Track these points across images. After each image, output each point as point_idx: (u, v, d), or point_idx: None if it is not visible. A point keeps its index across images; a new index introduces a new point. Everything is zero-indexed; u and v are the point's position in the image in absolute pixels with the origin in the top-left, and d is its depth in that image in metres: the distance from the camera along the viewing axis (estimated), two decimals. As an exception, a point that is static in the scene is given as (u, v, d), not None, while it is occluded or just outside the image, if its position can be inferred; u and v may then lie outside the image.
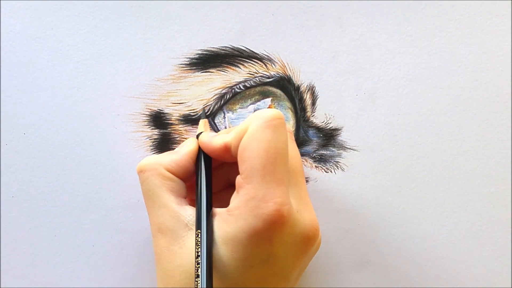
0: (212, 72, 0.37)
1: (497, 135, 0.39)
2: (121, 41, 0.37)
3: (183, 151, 0.33)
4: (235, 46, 0.37)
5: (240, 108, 0.38)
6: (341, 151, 0.38)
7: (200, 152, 0.33)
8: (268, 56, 0.37)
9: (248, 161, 0.29)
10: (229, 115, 0.38)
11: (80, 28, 0.37)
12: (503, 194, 0.39)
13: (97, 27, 0.37)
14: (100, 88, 0.37)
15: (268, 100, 0.38)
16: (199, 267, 0.29)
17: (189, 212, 0.31)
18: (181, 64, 0.37)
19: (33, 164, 0.37)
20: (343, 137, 0.38)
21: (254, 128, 0.30)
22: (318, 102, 0.38)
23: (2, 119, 0.37)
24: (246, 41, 0.37)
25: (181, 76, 0.37)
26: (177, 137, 0.37)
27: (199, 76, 0.37)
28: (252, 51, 0.37)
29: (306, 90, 0.38)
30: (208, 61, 0.37)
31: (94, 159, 0.37)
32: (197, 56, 0.37)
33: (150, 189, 0.32)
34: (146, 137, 0.37)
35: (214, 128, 0.38)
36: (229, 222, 0.30)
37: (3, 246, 0.37)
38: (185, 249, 0.30)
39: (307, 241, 0.31)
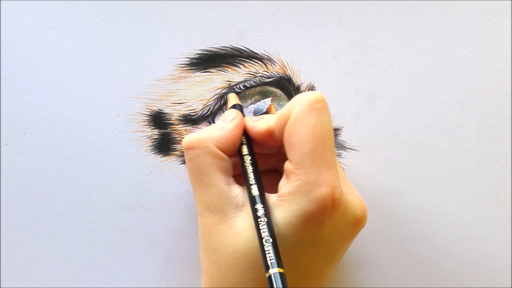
0: (212, 72, 0.37)
1: (497, 135, 0.39)
2: (121, 41, 0.37)
3: (231, 127, 0.32)
4: (235, 46, 0.37)
5: (240, 108, 0.37)
6: (341, 151, 0.38)
7: (247, 136, 0.33)
8: (268, 56, 0.37)
9: (297, 147, 0.29)
10: (229, 115, 0.37)
11: (80, 28, 0.37)
12: (503, 194, 0.39)
13: (97, 27, 0.37)
14: (100, 88, 0.37)
15: (268, 100, 0.38)
16: (268, 249, 0.28)
17: (238, 192, 0.31)
18: (181, 64, 0.37)
19: (33, 164, 0.37)
20: (343, 137, 0.38)
21: (297, 113, 0.30)
22: (318, 102, 0.38)
23: (2, 119, 0.37)
24: (246, 41, 0.37)
25: (181, 76, 0.37)
26: (177, 137, 0.37)
27: (199, 76, 0.37)
28: (252, 51, 0.37)
29: (306, 90, 0.38)
30: (208, 61, 0.37)
31: (94, 159, 0.37)
32: (197, 56, 0.37)
33: (199, 167, 0.31)
34: (146, 137, 0.37)
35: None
36: (281, 207, 0.29)
37: (3, 246, 0.37)
38: (234, 229, 0.30)
39: (357, 223, 0.31)
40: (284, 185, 0.30)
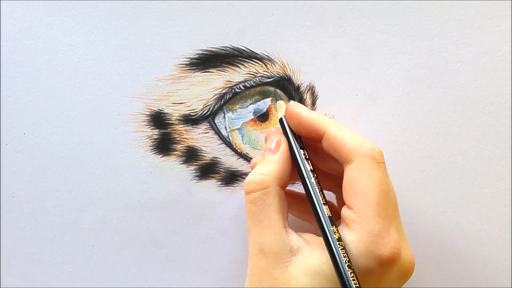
0: (212, 72, 0.37)
1: (497, 135, 0.39)
2: (121, 41, 0.37)
3: (281, 158, 0.32)
4: (235, 46, 0.37)
5: (240, 108, 0.38)
6: (341, 151, 0.38)
7: (293, 141, 0.32)
8: (268, 56, 0.37)
9: (362, 196, 0.29)
10: (229, 115, 0.38)
11: (80, 28, 0.37)
12: (503, 194, 0.39)
13: (97, 27, 0.37)
14: (100, 88, 0.37)
15: (268, 100, 0.38)
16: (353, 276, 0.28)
17: (294, 237, 0.31)
18: (181, 64, 0.37)
19: (33, 164, 0.37)
20: (343, 137, 0.38)
21: (365, 163, 0.30)
22: (318, 102, 0.38)
23: (2, 119, 0.37)
24: (246, 41, 0.37)
25: (181, 76, 0.37)
26: (177, 137, 0.37)
27: (199, 76, 0.37)
28: (252, 51, 0.37)
29: (306, 90, 0.38)
30: (208, 61, 0.37)
31: (94, 159, 0.37)
32: (197, 56, 0.37)
33: (259, 209, 0.31)
34: (146, 137, 0.37)
35: (214, 128, 0.38)
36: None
37: (3, 246, 0.37)
38: (287, 275, 0.30)
39: (406, 276, 0.31)
40: (347, 234, 0.30)
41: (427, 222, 0.39)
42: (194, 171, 0.38)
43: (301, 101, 0.38)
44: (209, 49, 0.37)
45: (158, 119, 0.37)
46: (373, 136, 0.38)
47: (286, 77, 0.38)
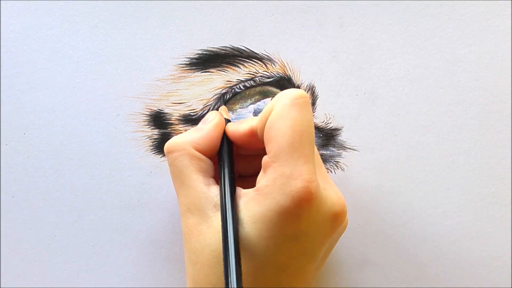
0: (212, 72, 0.37)
1: (497, 135, 0.39)
2: (121, 41, 0.37)
3: (209, 127, 0.33)
4: (235, 46, 0.37)
5: (240, 108, 0.38)
6: (341, 151, 0.38)
7: (224, 137, 0.33)
8: (268, 56, 0.37)
9: (275, 140, 0.29)
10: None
11: (80, 28, 0.37)
12: (503, 194, 0.39)
13: (97, 27, 0.37)
14: (100, 88, 0.37)
15: (268, 100, 0.38)
16: (226, 251, 0.28)
17: (217, 192, 0.31)
18: (181, 64, 0.37)
19: (33, 164, 0.37)
20: (343, 137, 0.38)
21: (279, 107, 0.30)
22: (318, 102, 0.38)
23: (2, 119, 0.37)
24: (246, 41, 0.37)
25: (181, 76, 0.37)
26: (177, 137, 0.37)
27: (199, 76, 0.37)
28: (252, 51, 0.37)
29: (306, 90, 0.38)
30: (208, 61, 0.37)
31: (94, 159, 0.37)
32: (197, 56, 0.37)
33: (179, 169, 0.32)
34: (146, 137, 0.37)
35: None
36: (257, 201, 0.29)
37: (3, 246, 0.37)
38: (213, 229, 0.30)
39: (335, 219, 0.31)
40: (261, 178, 0.30)
41: (427, 222, 0.39)
42: (194, 171, 0.38)
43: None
44: (209, 49, 0.37)
45: (158, 119, 0.37)
46: (373, 136, 0.38)
47: (286, 77, 0.38)
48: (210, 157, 0.33)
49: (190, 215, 0.31)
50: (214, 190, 0.31)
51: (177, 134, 0.37)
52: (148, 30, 0.37)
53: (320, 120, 0.38)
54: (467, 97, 0.38)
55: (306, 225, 0.29)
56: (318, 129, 0.38)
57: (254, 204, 0.29)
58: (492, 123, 0.39)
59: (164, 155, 0.37)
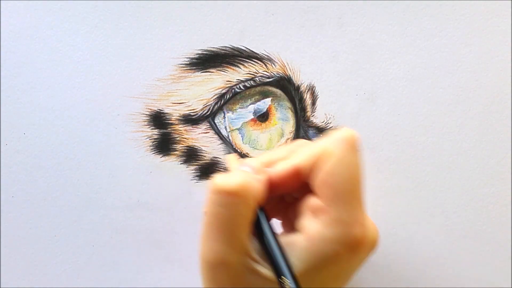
0: (212, 72, 0.37)
1: (497, 135, 0.39)
2: (121, 41, 0.37)
3: (262, 180, 0.29)
4: (235, 46, 0.37)
5: (240, 108, 0.38)
6: (341, 151, 0.38)
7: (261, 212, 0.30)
8: (268, 56, 0.37)
9: (334, 185, 0.28)
10: (229, 115, 0.38)
11: (80, 28, 0.37)
12: (503, 194, 0.39)
13: (97, 27, 0.37)
14: (100, 88, 0.37)
15: (268, 100, 0.38)
16: None
17: (257, 246, 0.29)
18: (181, 64, 0.37)
19: (33, 164, 0.37)
20: (343, 137, 0.38)
21: (342, 153, 0.29)
22: (318, 102, 0.38)
23: (2, 119, 0.37)
24: (246, 41, 0.37)
25: (181, 76, 0.37)
26: (177, 137, 0.37)
27: (199, 76, 0.37)
28: (252, 51, 0.37)
29: (306, 90, 0.38)
30: (208, 61, 0.37)
31: (94, 159, 0.37)
32: (197, 56, 0.37)
33: (231, 218, 0.28)
34: (146, 137, 0.37)
35: (214, 128, 0.38)
36: (311, 251, 0.28)
37: (3, 246, 0.37)
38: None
39: (372, 248, 0.31)
40: (312, 223, 0.29)
41: (427, 222, 0.39)
42: (194, 171, 0.38)
43: (301, 101, 0.38)
44: (209, 49, 0.37)
45: (158, 119, 0.37)
46: (373, 136, 0.38)
47: (286, 77, 0.38)
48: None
49: (224, 269, 0.28)
50: (254, 244, 0.29)
51: (177, 134, 0.37)
52: (148, 30, 0.37)
53: (320, 120, 0.38)
54: (467, 97, 0.38)
55: (354, 263, 0.30)
56: (318, 129, 0.38)
57: (307, 253, 0.28)
58: (492, 123, 0.39)
59: (164, 155, 0.37)
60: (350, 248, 0.28)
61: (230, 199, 0.27)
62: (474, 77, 0.38)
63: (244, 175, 0.28)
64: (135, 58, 0.37)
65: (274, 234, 0.29)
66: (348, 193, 0.29)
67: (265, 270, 0.28)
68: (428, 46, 0.38)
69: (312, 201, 0.29)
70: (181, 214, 0.38)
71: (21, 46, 0.36)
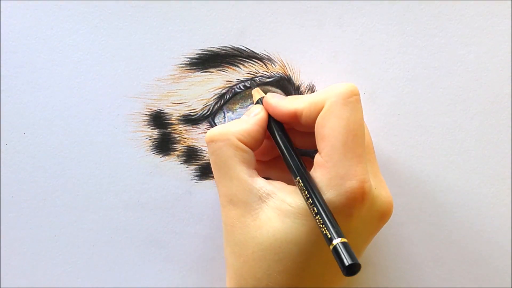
0: (212, 72, 0.37)
1: (497, 135, 0.39)
2: (121, 41, 0.37)
3: (253, 120, 0.32)
4: (235, 46, 0.37)
5: (240, 108, 0.38)
6: (341, 151, 0.38)
7: (271, 121, 0.33)
8: (268, 56, 0.37)
9: (328, 139, 0.29)
10: (229, 115, 0.38)
11: (80, 28, 0.37)
12: (503, 194, 0.39)
13: (97, 27, 0.37)
14: (100, 88, 0.37)
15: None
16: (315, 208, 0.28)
17: (261, 184, 0.31)
18: (181, 64, 0.37)
19: (33, 164, 0.37)
20: (343, 137, 0.38)
21: (332, 105, 0.30)
22: (318, 102, 0.38)
23: (2, 119, 0.37)
24: (246, 41, 0.37)
25: (181, 76, 0.37)
26: (177, 137, 0.37)
27: (199, 76, 0.37)
28: (252, 51, 0.37)
29: (306, 90, 0.38)
30: (208, 61, 0.37)
31: (94, 159, 0.37)
32: (197, 56, 0.37)
33: (222, 160, 0.31)
34: (146, 137, 0.37)
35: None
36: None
37: (3, 246, 0.37)
38: (259, 221, 0.30)
39: (383, 217, 0.31)
40: (315, 179, 0.30)
41: (427, 222, 0.39)
42: (194, 171, 0.38)
43: (301, 101, 0.38)
44: (209, 49, 0.37)
45: (158, 119, 0.37)
46: (373, 136, 0.38)
47: (286, 77, 0.38)
48: (253, 149, 0.32)
49: (233, 207, 0.31)
50: (258, 182, 0.31)
51: (177, 134, 0.37)
52: (148, 30, 0.37)
53: (320, 120, 0.38)
54: (467, 97, 0.38)
55: (356, 223, 0.30)
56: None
57: (304, 202, 0.29)
58: (492, 123, 0.39)
59: (164, 155, 0.37)
60: (349, 201, 0.29)
61: (212, 146, 0.32)
62: (474, 77, 0.38)
63: (225, 124, 0.32)
64: (135, 58, 0.37)
65: (288, 140, 0.32)
66: (342, 147, 0.29)
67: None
68: (428, 46, 0.38)
69: (316, 157, 0.30)
70: (181, 214, 0.38)
71: (21, 46, 0.36)
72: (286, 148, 0.31)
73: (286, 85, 0.38)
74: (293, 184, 0.31)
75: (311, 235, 0.29)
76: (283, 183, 0.32)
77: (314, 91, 0.38)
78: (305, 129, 0.32)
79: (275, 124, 0.33)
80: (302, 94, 0.38)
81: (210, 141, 0.32)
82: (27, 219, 0.37)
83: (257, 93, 0.35)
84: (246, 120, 0.32)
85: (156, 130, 0.37)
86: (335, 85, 0.30)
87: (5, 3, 0.36)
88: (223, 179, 0.32)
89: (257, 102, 0.34)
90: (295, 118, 0.32)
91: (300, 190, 0.29)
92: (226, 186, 0.31)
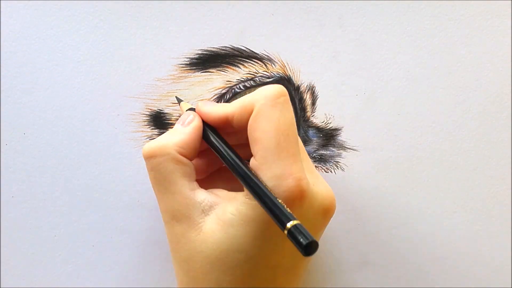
0: (212, 72, 0.37)
1: (497, 135, 0.39)
2: (121, 41, 0.37)
3: (189, 130, 0.32)
4: (235, 46, 0.37)
5: (240, 108, 0.37)
6: (341, 151, 0.38)
7: (206, 127, 0.32)
8: (268, 56, 0.37)
9: (260, 142, 0.29)
10: (229, 115, 0.37)
11: (80, 28, 0.37)
12: (503, 194, 0.39)
13: (97, 27, 0.37)
14: (100, 88, 0.37)
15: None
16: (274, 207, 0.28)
17: (203, 197, 0.31)
18: (181, 64, 0.37)
19: (33, 164, 0.37)
20: (343, 137, 0.38)
21: (261, 108, 0.29)
22: (318, 102, 0.38)
23: (2, 119, 0.37)
24: (246, 41, 0.37)
25: (181, 76, 0.37)
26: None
27: (199, 76, 0.37)
28: (252, 51, 0.37)
29: (306, 90, 0.38)
30: (208, 61, 0.37)
31: (94, 159, 0.37)
32: (197, 56, 0.37)
33: (162, 175, 0.31)
34: (146, 137, 0.37)
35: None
36: (248, 204, 0.29)
37: (3, 246, 0.37)
38: (203, 235, 0.30)
39: (326, 213, 0.31)
40: None
41: (427, 222, 0.39)
42: (194, 171, 0.38)
43: (301, 101, 0.38)
44: (209, 49, 0.37)
45: (158, 119, 0.37)
46: (373, 136, 0.38)
47: (286, 77, 0.38)
48: (191, 159, 0.32)
49: (176, 223, 0.31)
50: (201, 195, 0.31)
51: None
52: (148, 30, 0.37)
53: (320, 120, 0.38)
54: (467, 97, 0.38)
55: (302, 220, 0.29)
56: (318, 129, 0.38)
57: (246, 208, 0.29)
58: (492, 123, 0.39)
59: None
60: (288, 201, 0.28)
61: (151, 162, 0.31)
62: (474, 77, 0.38)
63: (163, 137, 0.32)
64: (135, 58, 0.37)
65: (225, 142, 0.32)
66: (276, 148, 0.29)
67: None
68: (428, 46, 0.38)
69: (251, 161, 0.30)
70: (181, 214, 0.38)
71: (21, 46, 0.36)
72: (223, 149, 0.31)
73: (286, 85, 0.37)
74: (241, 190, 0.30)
75: (256, 240, 0.29)
76: (225, 190, 0.31)
77: (314, 91, 0.38)
78: (239, 135, 0.32)
79: (210, 130, 0.32)
80: (302, 94, 0.38)
81: (149, 157, 0.31)
82: (27, 219, 0.37)
83: (185, 105, 0.35)
84: (182, 130, 0.32)
85: (156, 130, 0.37)
86: (263, 88, 0.30)
87: (5, 3, 0.36)
88: (165, 195, 0.31)
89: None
90: (227, 122, 0.31)
91: (245, 185, 0.29)
92: (168, 202, 0.31)
